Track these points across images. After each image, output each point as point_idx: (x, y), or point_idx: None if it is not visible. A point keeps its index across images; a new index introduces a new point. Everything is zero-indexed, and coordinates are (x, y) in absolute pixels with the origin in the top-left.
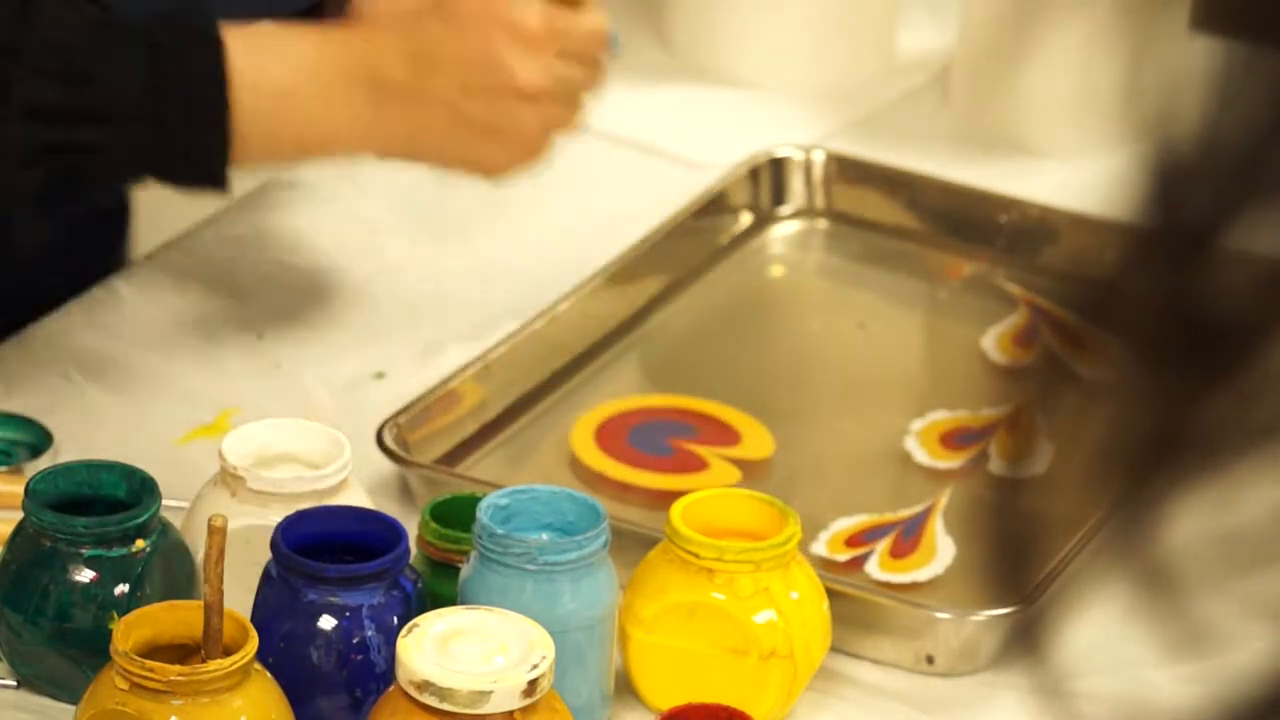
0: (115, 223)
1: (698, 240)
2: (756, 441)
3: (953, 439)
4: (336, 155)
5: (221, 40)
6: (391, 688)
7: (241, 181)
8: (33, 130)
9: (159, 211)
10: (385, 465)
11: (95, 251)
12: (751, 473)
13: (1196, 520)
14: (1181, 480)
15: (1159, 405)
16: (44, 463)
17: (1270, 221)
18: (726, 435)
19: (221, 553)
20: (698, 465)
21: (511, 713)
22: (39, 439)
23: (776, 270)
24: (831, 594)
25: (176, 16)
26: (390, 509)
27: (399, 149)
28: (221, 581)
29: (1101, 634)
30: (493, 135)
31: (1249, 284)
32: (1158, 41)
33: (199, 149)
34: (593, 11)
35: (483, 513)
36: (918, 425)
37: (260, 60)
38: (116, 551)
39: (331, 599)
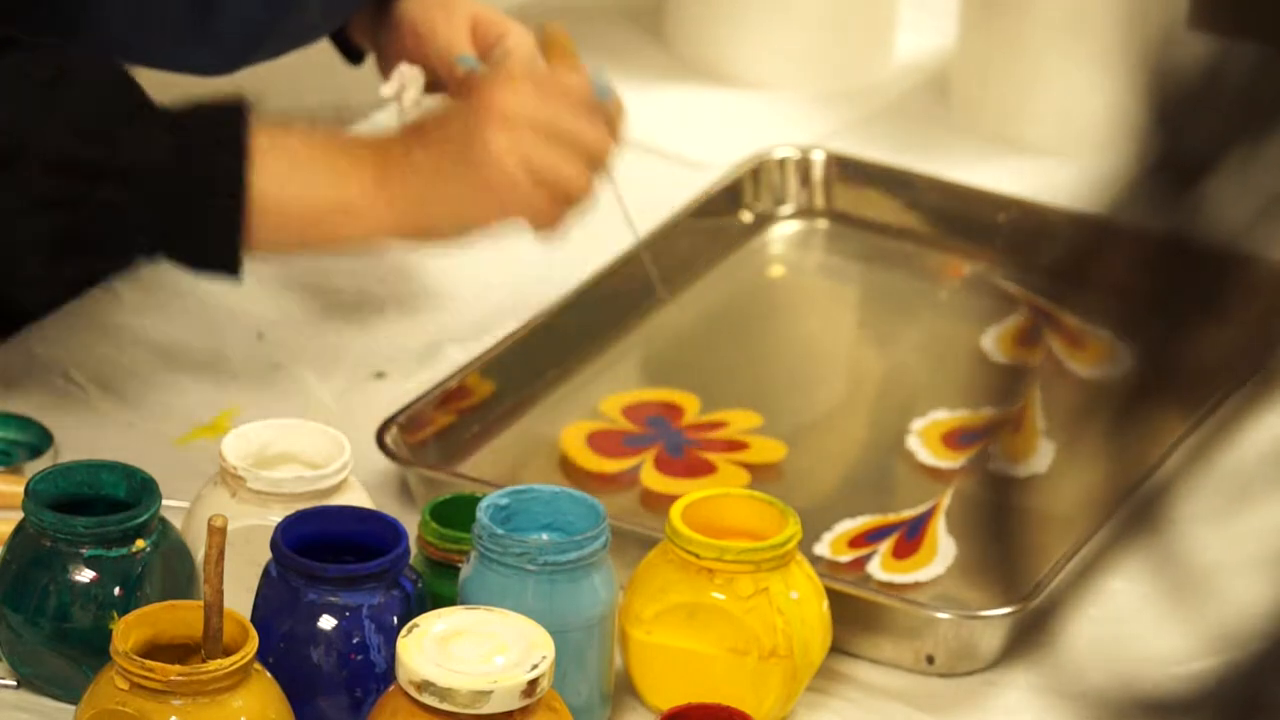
0: None
1: (698, 240)
2: (765, 447)
3: (955, 438)
4: (348, 233)
5: (245, 115)
6: (391, 688)
7: None
8: (51, 180)
9: None
10: (385, 465)
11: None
12: (759, 475)
13: (1197, 465)
14: (1173, 414)
15: (1154, 339)
16: (44, 463)
17: (1268, 152)
18: (734, 443)
19: (221, 553)
20: (706, 469)
21: (511, 713)
22: (39, 439)
23: (776, 270)
24: (832, 594)
25: (204, 100)
26: (390, 509)
27: (405, 215)
28: (221, 581)
29: (1106, 631)
30: (469, 165)
31: (1247, 213)
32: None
33: (214, 214)
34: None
35: (483, 513)
36: (919, 425)
37: (279, 136)
38: (116, 551)
39: (331, 599)
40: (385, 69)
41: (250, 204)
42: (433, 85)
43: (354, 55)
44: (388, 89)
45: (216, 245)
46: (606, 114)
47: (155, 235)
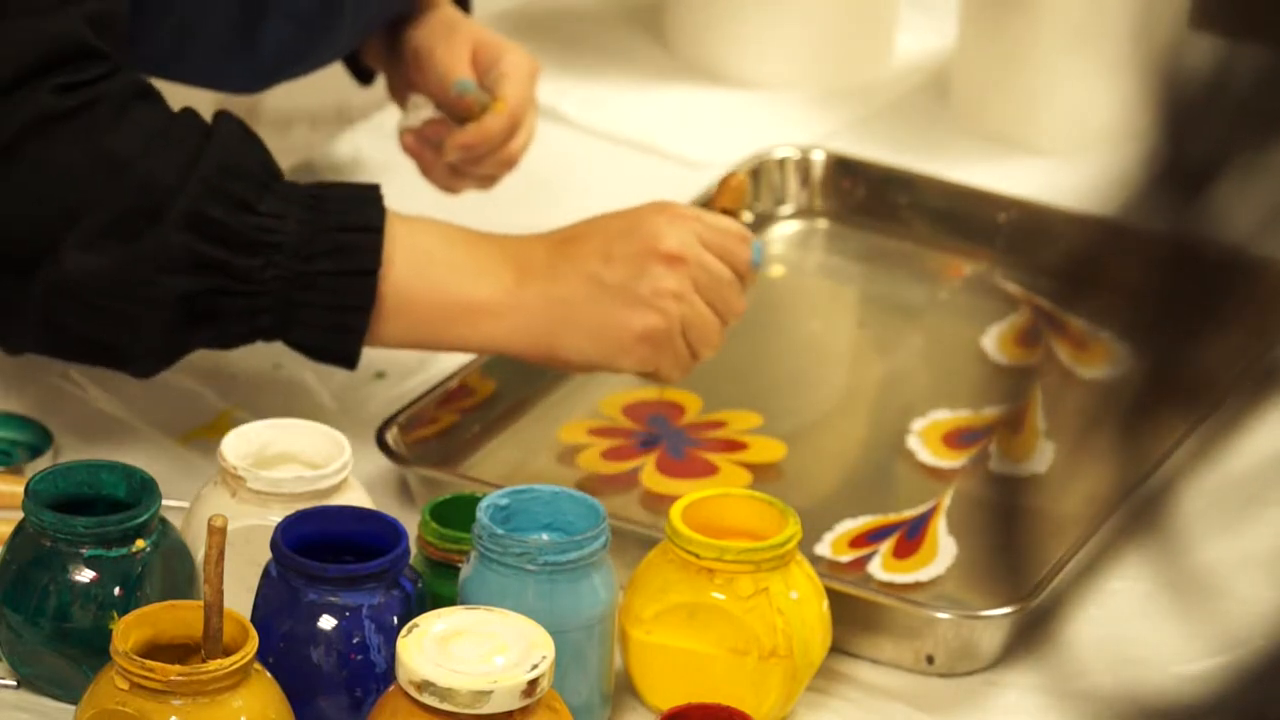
0: None
1: None
2: (766, 447)
3: (955, 438)
4: (474, 337)
5: (382, 201)
6: (391, 688)
7: None
8: (189, 240)
9: None
10: (385, 465)
11: None
12: (760, 475)
13: (1205, 475)
14: (1188, 430)
15: (1162, 344)
16: (44, 463)
17: (1275, 157)
18: (735, 443)
19: (221, 553)
20: (707, 469)
21: (511, 713)
22: (39, 439)
23: (776, 270)
24: (832, 594)
25: (342, 182)
26: (390, 509)
27: (537, 330)
28: (221, 581)
29: (1106, 631)
30: (630, 298)
31: (1254, 218)
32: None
33: (342, 297)
34: (740, 221)
35: (483, 513)
36: (919, 425)
37: (416, 225)
38: (116, 551)
39: (331, 599)
40: (395, 92)
41: (382, 294)
42: (438, 107)
43: (364, 75)
44: (402, 119)
45: (341, 329)
46: (750, 279)
47: (280, 313)
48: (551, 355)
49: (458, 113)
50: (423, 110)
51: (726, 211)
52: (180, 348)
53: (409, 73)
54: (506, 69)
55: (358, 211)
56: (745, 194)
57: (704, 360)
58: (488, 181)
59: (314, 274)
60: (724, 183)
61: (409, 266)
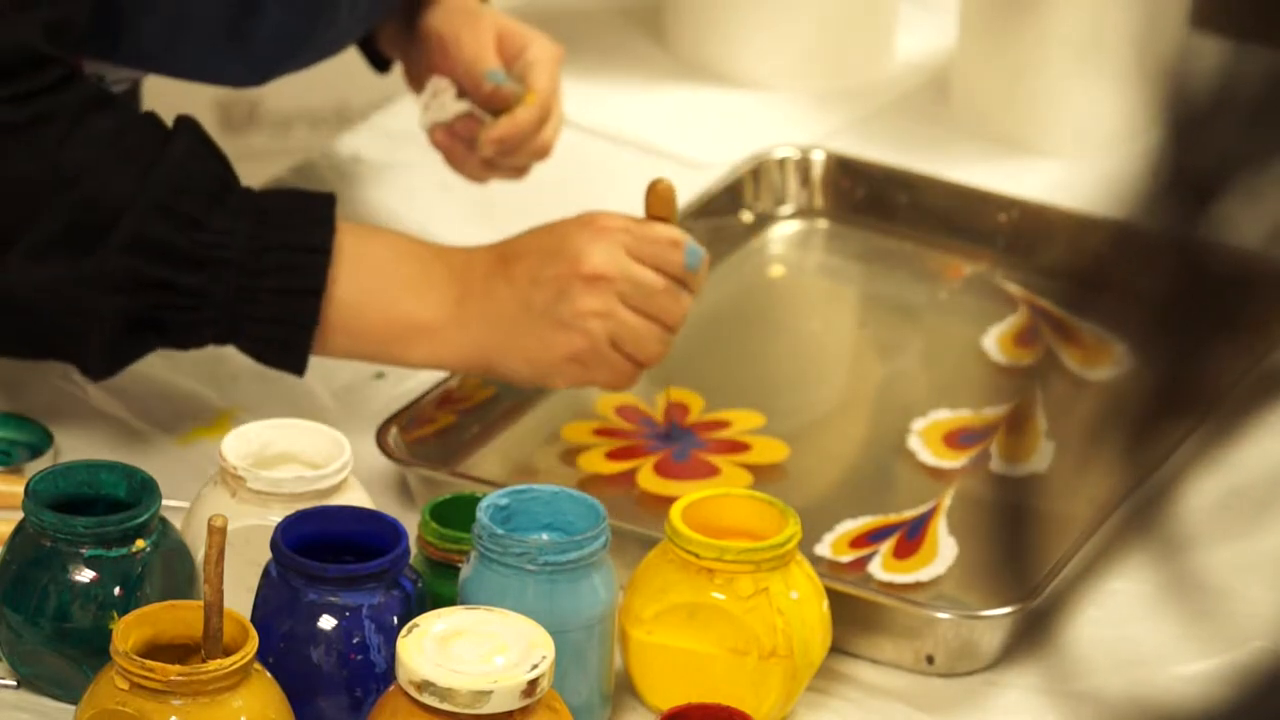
0: None
1: (698, 240)
2: (768, 448)
3: (956, 438)
4: (413, 356)
5: (332, 219)
6: (391, 688)
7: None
8: (133, 262)
9: None
10: (385, 465)
11: None
12: (762, 476)
13: (1206, 477)
14: (1188, 432)
15: (1168, 356)
16: (44, 463)
17: None
18: (737, 444)
19: (221, 553)
20: (708, 471)
21: (511, 713)
22: (39, 439)
23: (776, 270)
24: (832, 594)
25: (294, 189)
26: (390, 509)
27: (473, 351)
28: (221, 581)
29: (1106, 631)
30: (553, 322)
31: (1260, 230)
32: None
33: (289, 313)
34: (674, 226)
35: (483, 513)
36: (920, 425)
37: (365, 240)
38: (116, 551)
39: (331, 599)
40: (413, 80)
41: (326, 312)
42: (461, 94)
43: (381, 64)
44: (422, 102)
45: (285, 344)
46: (691, 281)
47: (225, 325)
48: (489, 372)
49: (490, 104)
50: (445, 96)
51: (658, 218)
52: (126, 356)
53: (431, 60)
54: (534, 57)
55: (306, 229)
56: (674, 199)
57: (649, 366)
58: (520, 172)
59: (259, 290)
60: (651, 189)
61: (355, 285)
